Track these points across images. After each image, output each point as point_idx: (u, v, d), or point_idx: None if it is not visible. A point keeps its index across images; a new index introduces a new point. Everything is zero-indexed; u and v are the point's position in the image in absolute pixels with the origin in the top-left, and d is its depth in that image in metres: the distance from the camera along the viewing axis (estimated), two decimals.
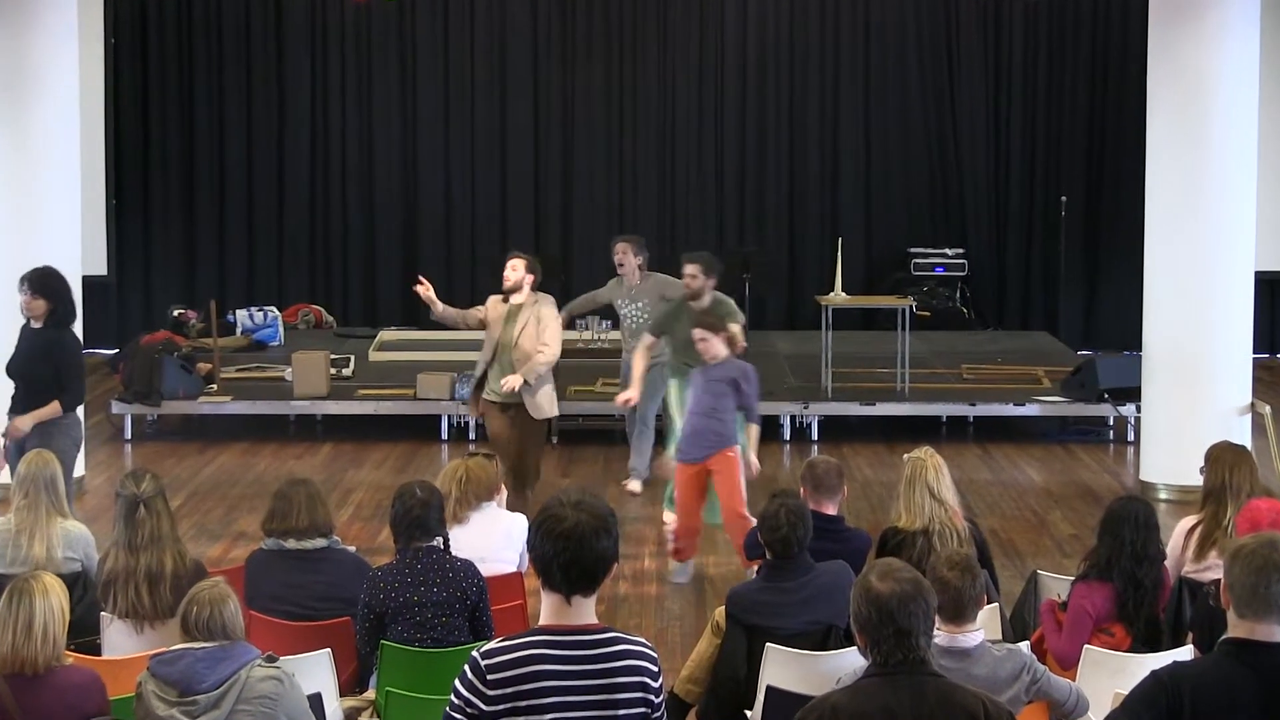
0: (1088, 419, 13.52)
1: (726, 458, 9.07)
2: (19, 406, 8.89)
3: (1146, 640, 6.48)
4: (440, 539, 6.40)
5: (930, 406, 13.59)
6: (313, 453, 12.92)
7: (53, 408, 8.78)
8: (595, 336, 14.59)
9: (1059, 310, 17.44)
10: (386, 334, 16.38)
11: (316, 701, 5.62)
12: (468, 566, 6.37)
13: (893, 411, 13.39)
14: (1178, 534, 7.09)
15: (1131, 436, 12.99)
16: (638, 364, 10.14)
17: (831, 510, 7.24)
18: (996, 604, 6.81)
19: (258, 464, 12.49)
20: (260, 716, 5.07)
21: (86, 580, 6.86)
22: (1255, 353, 11.62)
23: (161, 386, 13.14)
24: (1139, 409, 12.17)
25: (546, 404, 9.87)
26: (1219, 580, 4.47)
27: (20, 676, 5.15)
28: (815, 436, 13.26)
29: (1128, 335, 14.66)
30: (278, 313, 16.54)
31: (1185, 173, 11.05)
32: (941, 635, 5.14)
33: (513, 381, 9.66)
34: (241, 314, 16.35)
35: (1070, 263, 17.35)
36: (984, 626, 5.46)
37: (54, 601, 5.22)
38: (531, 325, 9.76)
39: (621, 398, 10.16)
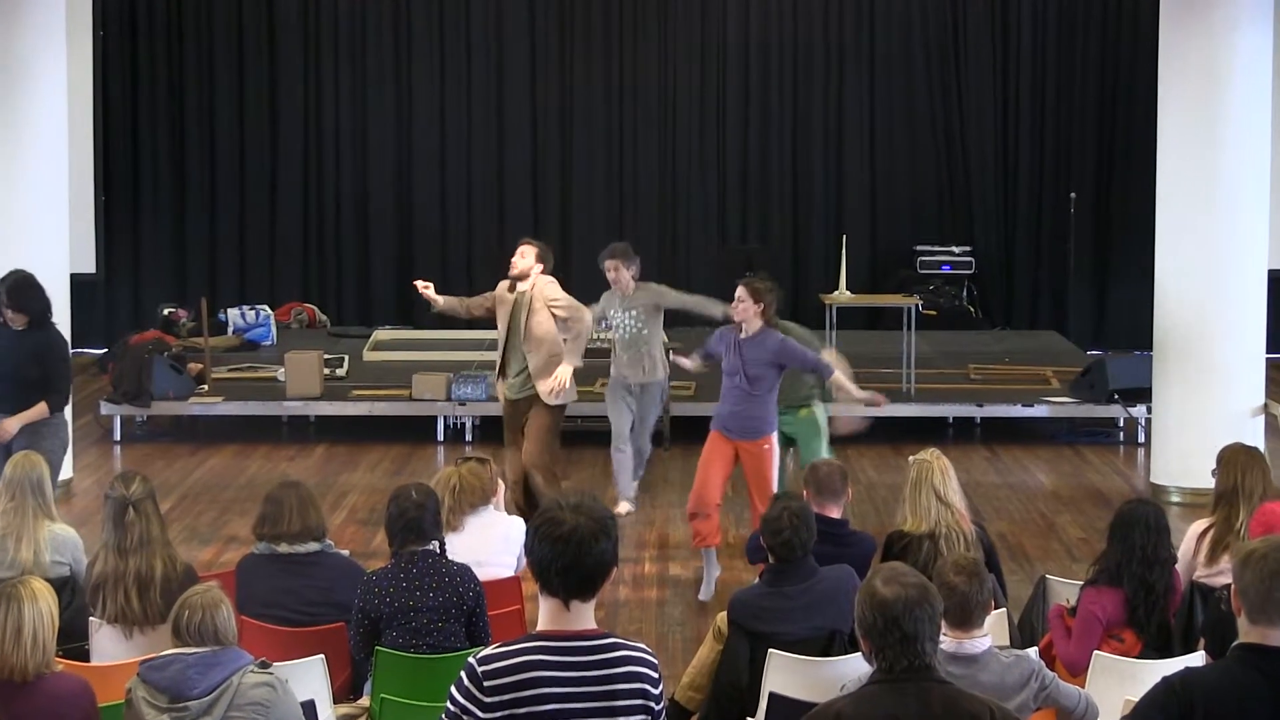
0: (1097, 420, 13.44)
1: (759, 450, 8.95)
2: (5, 407, 8.81)
3: (1157, 646, 6.44)
4: (436, 543, 6.36)
5: (936, 407, 13.53)
6: (306, 455, 12.81)
7: (40, 409, 8.75)
8: (595, 337, 14.46)
9: (1068, 310, 17.31)
10: (381, 334, 16.30)
11: (310, 708, 5.59)
12: (464, 571, 6.32)
13: (898, 412, 13.28)
14: (1189, 538, 7.10)
15: (1142, 438, 12.90)
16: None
17: (835, 513, 7.19)
18: (1004, 609, 6.76)
19: (250, 466, 12.39)
20: None
21: (75, 585, 6.83)
22: (1268, 353, 11.52)
23: (151, 387, 13.05)
24: (1149, 410, 12.07)
25: (557, 387, 9.66)
26: (1231, 585, 4.41)
27: (9, 684, 5.13)
28: None
29: (1138, 335, 14.58)
30: (270, 312, 16.47)
31: (1197, 170, 10.96)
32: (948, 641, 5.10)
33: (562, 376, 9.60)
34: (233, 313, 16.27)
35: (1079, 261, 17.20)
36: (991, 632, 5.42)
37: (43, 607, 5.19)
38: (542, 312, 9.67)
39: (685, 363, 9.78)
